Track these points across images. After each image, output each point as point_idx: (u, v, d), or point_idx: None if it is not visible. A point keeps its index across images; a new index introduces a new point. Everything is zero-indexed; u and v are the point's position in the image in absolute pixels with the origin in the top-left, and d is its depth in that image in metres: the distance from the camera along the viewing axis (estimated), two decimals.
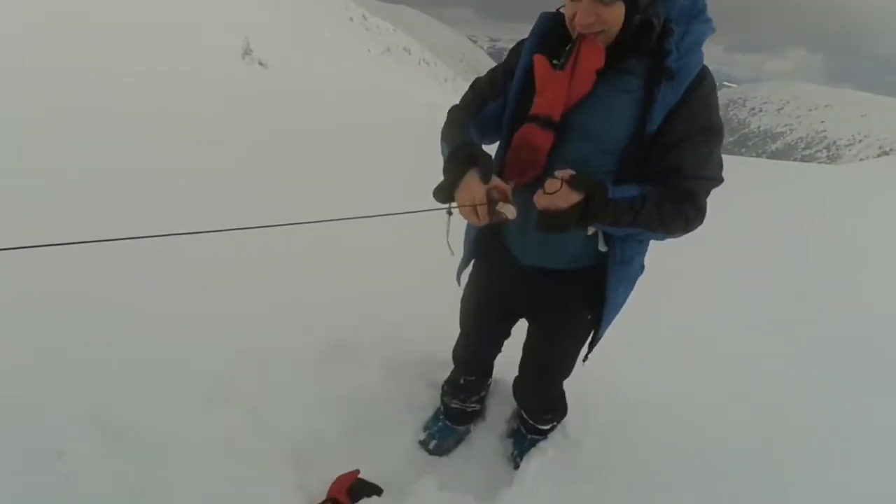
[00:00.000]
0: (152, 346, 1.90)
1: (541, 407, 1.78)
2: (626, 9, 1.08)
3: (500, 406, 2.03)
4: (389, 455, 1.86)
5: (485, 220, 1.08)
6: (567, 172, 1.07)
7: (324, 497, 1.57)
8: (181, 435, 1.65)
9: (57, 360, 1.78)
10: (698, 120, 1.13)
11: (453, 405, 1.90)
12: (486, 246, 1.47)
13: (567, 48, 1.15)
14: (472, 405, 1.92)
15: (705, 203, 1.20)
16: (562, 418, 1.89)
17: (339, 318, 2.24)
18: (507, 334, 1.73)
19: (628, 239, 1.26)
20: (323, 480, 1.64)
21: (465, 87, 1.29)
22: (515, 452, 1.87)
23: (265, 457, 1.68)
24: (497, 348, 1.80)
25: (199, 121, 5.29)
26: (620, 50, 1.13)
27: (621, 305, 1.44)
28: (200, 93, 7.16)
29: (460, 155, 1.14)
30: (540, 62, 1.18)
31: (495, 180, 1.10)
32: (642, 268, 1.43)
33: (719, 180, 1.22)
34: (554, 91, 1.15)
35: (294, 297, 2.33)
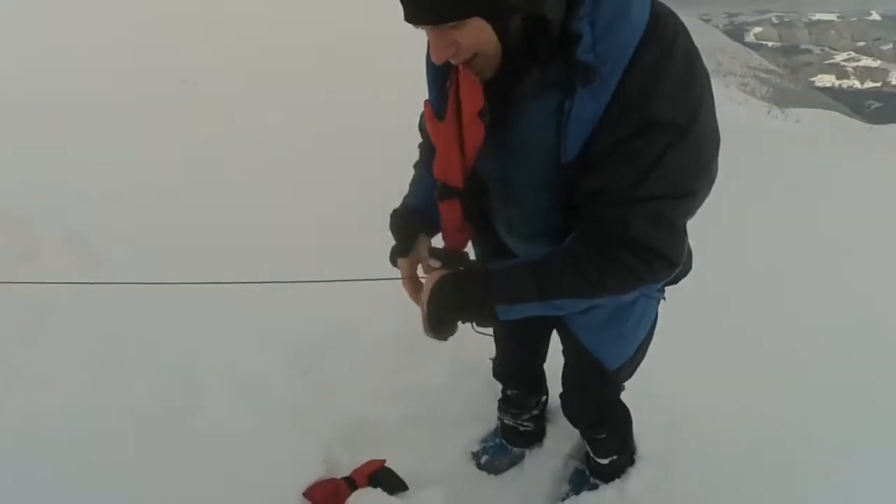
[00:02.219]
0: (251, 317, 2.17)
1: (586, 421, 1.52)
2: (491, 16, 0.73)
3: (563, 436, 1.82)
4: (436, 457, 1.82)
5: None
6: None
7: (344, 475, 1.62)
8: (262, 384, 1.90)
9: None
10: (631, 117, 0.75)
11: (506, 421, 1.76)
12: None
13: (447, 85, 0.90)
14: (525, 424, 1.74)
15: (655, 235, 0.81)
16: (623, 450, 1.60)
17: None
18: (542, 339, 1.53)
19: None
20: (355, 461, 1.69)
21: None
22: (569, 489, 1.67)
23: (317, 425, 1.80)
24: (536, 357, 1.60)
25: None
26: (521, 64, 0.79)
27: (617, 340, 1.19)
28: None
29: (391, 228, 1.10)
30: (427, 111, 0.95)
31: (419, 248, 1.05)
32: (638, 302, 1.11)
33: (684, 196, 0.81)
34: (444, 150, 0.92)
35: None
